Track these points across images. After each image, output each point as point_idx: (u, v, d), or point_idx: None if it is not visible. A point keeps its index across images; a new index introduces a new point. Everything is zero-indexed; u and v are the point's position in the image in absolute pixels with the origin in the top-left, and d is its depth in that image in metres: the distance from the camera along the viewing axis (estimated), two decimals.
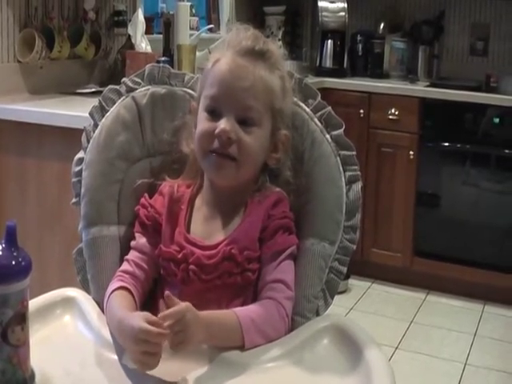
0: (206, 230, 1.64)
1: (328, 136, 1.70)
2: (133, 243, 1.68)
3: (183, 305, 1.39)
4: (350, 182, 1.69)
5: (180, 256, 1.59)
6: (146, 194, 1.70)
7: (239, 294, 1.59)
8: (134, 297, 1.59)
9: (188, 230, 1.65)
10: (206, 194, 1.69)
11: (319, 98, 1.74)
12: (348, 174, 1.69)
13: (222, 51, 1.63)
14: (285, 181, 1.69)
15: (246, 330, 1.48)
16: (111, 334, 1.51)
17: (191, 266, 1.58)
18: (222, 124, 1.56)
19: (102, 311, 1.59)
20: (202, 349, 1.45)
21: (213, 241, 1.61)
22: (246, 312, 1.51)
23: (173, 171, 1.73)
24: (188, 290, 1.58)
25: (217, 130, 1.57)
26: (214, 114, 1.59)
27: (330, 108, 1.73)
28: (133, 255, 1.66)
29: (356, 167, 1.70)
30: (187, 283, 1.59)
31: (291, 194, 1.68)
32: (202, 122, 1.61)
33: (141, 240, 1.67)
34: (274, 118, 1.63)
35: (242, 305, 1.57)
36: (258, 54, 1.61)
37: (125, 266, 1.65)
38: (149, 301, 1.65)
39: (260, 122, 1.60)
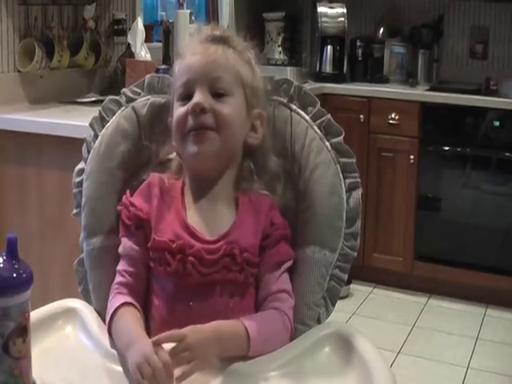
0: (201, 221, 1.62)
1: (328, 143, 1.70)
2: (120, 250, 1.65)
3: (183, 329, 1.41)
4: (350, 189, 1.69)
5: (175, 246, 1.56)
6: (127, 191, 1.68)
7: (239, 292, 1.59)
8: (138, 310, 1.59)
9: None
10: (190, 185, 1.67)
11: (319, 106, 1.74)
12: (348, 181, 1.69)
13: (183, 49, 1.69)
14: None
15: (252, 340, 1.48)
16: (116, 350, 1.51)
17: (190, 258, 1.55)
18: (195, 98, 1.58)
19: (104, 322, 1.59)
20: None
21: (211, 234, 1.60)
22: (253, 322, 1.51)
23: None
24: (184, 284, 1.56)
25: (190, 106, 1.58)
26: (187, 98, 1.61)
27: (329, 115, 1.73)
28: (122, 265, 1.63)
29: (356, 174, 1.70)
30: (182, 276, 1.56)
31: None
32: (176, 111, 1.63)
33: (126, 245, 1.64)
34: (245, 91, 1.64)
35: (241, 303, 1.58)
36: (219, 39, 1.65)
37: (118, 278, 1.63)
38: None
39: (231, 91, 1.61)
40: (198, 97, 1.58)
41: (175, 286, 1.57)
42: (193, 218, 1.62)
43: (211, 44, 1.63)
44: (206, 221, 1.62)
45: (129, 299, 1.59)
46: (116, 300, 1.59)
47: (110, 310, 1.58)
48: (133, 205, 1.64)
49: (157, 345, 1.38)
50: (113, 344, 1.53)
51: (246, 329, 1.49)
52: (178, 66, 1.67)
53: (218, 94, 1.60)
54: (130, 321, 1.55)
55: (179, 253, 1.56)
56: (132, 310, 1.57)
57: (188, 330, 1.41)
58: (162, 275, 1.59)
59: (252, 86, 1.65)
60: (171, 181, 1.67)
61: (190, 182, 1.67)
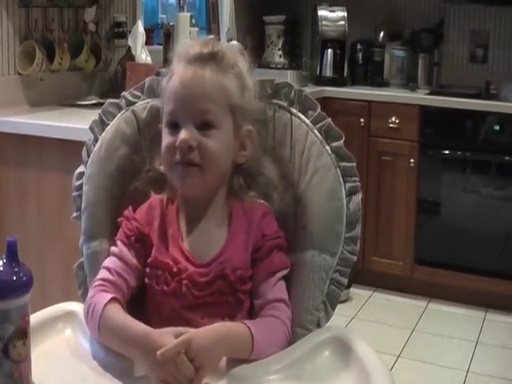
0: (194, 244, 1.63)
1: (328, 147, 1.70)
2: (114, 249, 1.64)
3: (187, 334, 1.40)
4: (351, 193, 1.69)
5: (176, 270, 1.58)
6: (130, 207, 1.68)
7: (231, 313, 1.59)
8: (124, 308, 1.56)
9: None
10: (183, 209, 1.67)
11: (319, 110, 1.74)
12: (348, 185, 1.69)
13: (173, 66, 1.64)
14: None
15: (256, 342, 1.48)
16: (108, 346, 1.50)
17: (184, 281, 1.57)
18: (182, 135, 1.56)
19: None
20: None
21: (204, 257, 1.61)
22: (255, 325, 1.51)
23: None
24: (179, 304, 1.58)
25: (177, 143, 1.56)
26: (174, 127, 1.59)
27: (329, 119, 1.73)
28: (113, 263, 1.62)
29: (356, 178, 1.70)
30: (179, 297, 1.58)
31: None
32: (165, 138, 1.61)
33: (123, 249, 1.63)
34: (234, 115, 1.62)
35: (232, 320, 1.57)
36: (207, 58, 1.60)
37: (105, 274, 1.61)
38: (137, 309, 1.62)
39: (219, 123, 1.59)
40: (184, 133, 1.56)
41: (172, 306, 1.58)
42: (187, 241, 1.63)
43: (200, 66, 1.59)
44: (198, 243, 1.63)
45: (117, 296, 1.55)
46: (102, 296, 1.54)
47: (96, 306, 1.52)
48: (135, 219, 1.65)
49: (164, 358, 1.36)
50: (108, 345, 1.51)
51: (250, 330, 1.48)
52: (166, 82, 1.65)
53: (204, 127, 1.57)
54: (128, 318, 1.51)
55: (177, 275, 1.58)
56: (119, 307, 1.53)
57: (191, 334, 1.40)
58: (158, 294, 1.60)
59: (241, 106, 1.62)
60: (169, 205, 1.67)
61: (182, 204, 1.67)
